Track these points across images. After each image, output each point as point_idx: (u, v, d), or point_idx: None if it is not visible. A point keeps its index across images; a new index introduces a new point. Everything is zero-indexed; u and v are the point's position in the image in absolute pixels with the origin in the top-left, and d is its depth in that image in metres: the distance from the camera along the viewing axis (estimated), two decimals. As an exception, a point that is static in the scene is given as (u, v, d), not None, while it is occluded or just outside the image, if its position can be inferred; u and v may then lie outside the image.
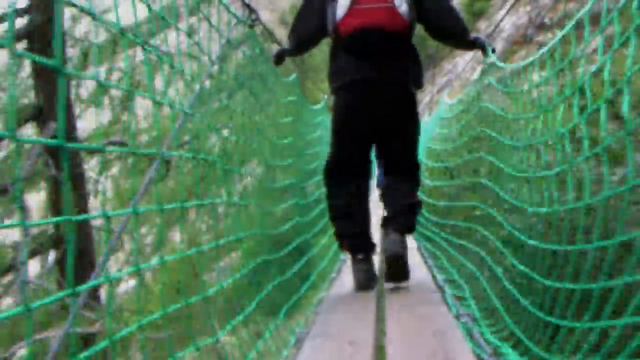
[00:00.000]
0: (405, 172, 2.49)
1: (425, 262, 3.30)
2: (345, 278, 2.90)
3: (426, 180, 4.81)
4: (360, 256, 2.42)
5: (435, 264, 3.32)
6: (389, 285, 2.42)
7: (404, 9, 2.25)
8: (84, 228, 5.01)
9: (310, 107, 4.38)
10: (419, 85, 2.43)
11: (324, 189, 2.69)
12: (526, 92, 2.15)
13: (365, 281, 2.39)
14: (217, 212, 1.96)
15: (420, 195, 2.93)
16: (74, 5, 0.95)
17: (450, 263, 3.11)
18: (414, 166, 2.53)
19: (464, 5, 25.09)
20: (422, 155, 5.14)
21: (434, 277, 2.91)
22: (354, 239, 2.46)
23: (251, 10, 2.34)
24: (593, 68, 1.43)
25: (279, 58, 2.65)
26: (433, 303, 2.16)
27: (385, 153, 2.55)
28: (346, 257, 3.20)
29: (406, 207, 2.43)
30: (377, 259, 2.76)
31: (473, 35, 2.56)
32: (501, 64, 2.55)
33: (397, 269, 2.32)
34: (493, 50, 2.60)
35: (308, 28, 2.49)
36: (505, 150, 2.43)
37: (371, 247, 2.50)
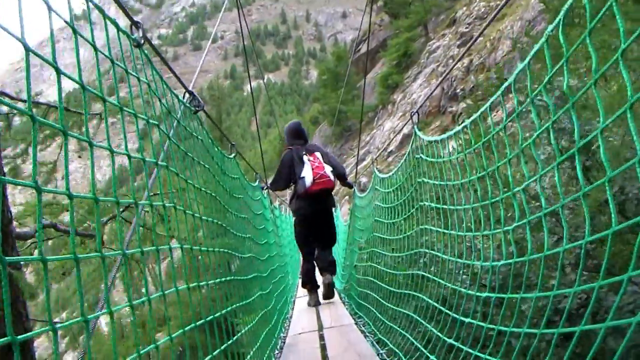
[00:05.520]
0: (329, 245, 5.53)
1: (365, 337, 3.33)
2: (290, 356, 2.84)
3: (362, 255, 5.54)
4: (312, 290, 5.46)
5: (374, 337, 3.33)
6: (324, 301, 5.49)
7: (332, 178, 5.14)
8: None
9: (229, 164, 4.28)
10: (334, 206, 5.53)
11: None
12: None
13: (314, 303, 5.36)
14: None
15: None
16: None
17: (390, 326, 3.11)
18: (333, 242, 5.62)
19: (379, 80, 26.26)
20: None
21: (373, 347, 2.91)
22: (309, 283, 5.46)
23: (194, 96, 2.40)
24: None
25: (264, 190, 5.35)
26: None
27: (320, 236, 5.43)
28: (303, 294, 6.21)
29: (330, 263, 5.38)
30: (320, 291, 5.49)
31: (350, 180, 5.98)
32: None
33: (329, 291, 5.45)
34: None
35: (279, 186, 5.38)
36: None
37: (317, 287, 5.50)
